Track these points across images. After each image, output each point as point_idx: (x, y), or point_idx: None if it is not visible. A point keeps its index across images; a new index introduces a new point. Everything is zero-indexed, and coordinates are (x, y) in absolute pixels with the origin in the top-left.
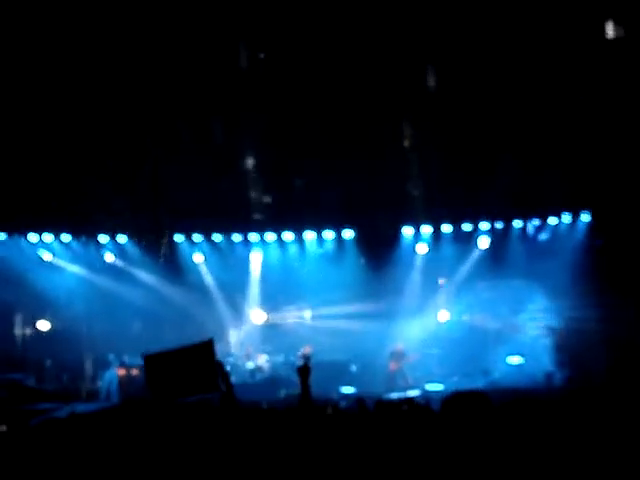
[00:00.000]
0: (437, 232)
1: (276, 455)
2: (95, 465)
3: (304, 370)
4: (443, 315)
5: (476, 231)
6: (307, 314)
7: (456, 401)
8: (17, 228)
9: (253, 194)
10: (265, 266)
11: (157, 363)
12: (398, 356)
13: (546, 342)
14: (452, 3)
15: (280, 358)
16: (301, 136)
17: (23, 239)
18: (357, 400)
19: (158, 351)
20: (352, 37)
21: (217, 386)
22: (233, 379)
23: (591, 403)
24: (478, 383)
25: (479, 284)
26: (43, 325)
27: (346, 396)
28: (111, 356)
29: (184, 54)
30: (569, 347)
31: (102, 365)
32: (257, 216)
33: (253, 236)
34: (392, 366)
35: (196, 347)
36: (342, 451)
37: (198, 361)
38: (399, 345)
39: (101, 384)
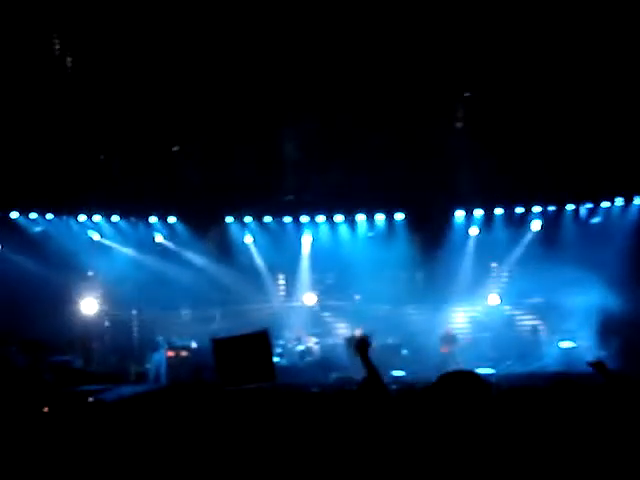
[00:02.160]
0: (489, 215)
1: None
2: (142, 448)
3: (362, 344)
4: (494, 299)
5: (529, 214)
6: (357, 296)
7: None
8: (66, 208)
9: (302, 177)
10: (315, 248)
11: (224, 348)
12: (449, 340)
13: (596, 327)
14: None
15: (330, 341)
16: (352, 117)
17: (72, 219)
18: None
19: (225, 337)
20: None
21: (272, 375)
22: (283, 361)
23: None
24: (530, 367)
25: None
26: (91, 306)
27: (397, 379)
28: (160, 338)
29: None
30: (619, 334)
31: (151, 347)
32: (308, 198)
33: (304, 218)
34: (443, 350)
35: (252, 336)
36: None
37: (255, 350)
38: (449, 328)
39: (150, 366)
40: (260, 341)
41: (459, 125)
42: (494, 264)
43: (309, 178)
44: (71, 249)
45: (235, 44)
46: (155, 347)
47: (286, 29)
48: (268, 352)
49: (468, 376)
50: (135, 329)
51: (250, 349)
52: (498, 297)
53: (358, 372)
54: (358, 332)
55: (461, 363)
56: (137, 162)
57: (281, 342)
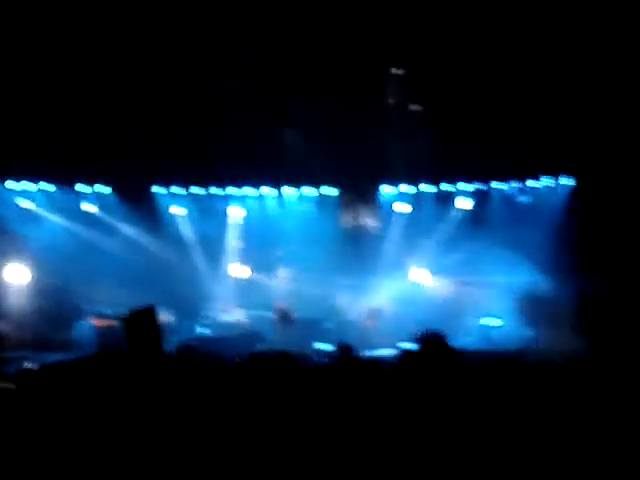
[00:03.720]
0: (418, 192)
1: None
2: (72, 415)
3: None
4: (418, 274)
5: (457, 192)
6: (285, 270)
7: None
8: None
9: (235, 146)
10: (245, 221)
11: (131, 323)
12: (373, 314)
13: (521, 307)
14: None
15: (256, 313)
16: (289, 87)
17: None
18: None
19: (133, 310)
20: None
21: (160, 351)
22: (210, 332)
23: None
24: (452, 343)
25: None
26: (16, 273)
27: (321, 352)
28: (86, 306)
29: None
30: (544, 315)
31: (77, 315)
32: (237, 170)
33: (232, 189)
34: (368, 323)
35: (140, 313)
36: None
37: (142, 326)
38: (374, 303)
39: (75, 334)
40: (146, 317)
41: (391, 101)
42: (421, 240)
43: (240, 150)
44: None
45: None
46: (81, 315)
47: None
48: (154, 328)
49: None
50: (60, 297)
51: (138, 325)
52: (422, 273)
53: (283, 344)
54: (282, 305)
55: (384, 337)
56: (69, 129)
57: (209, 313)
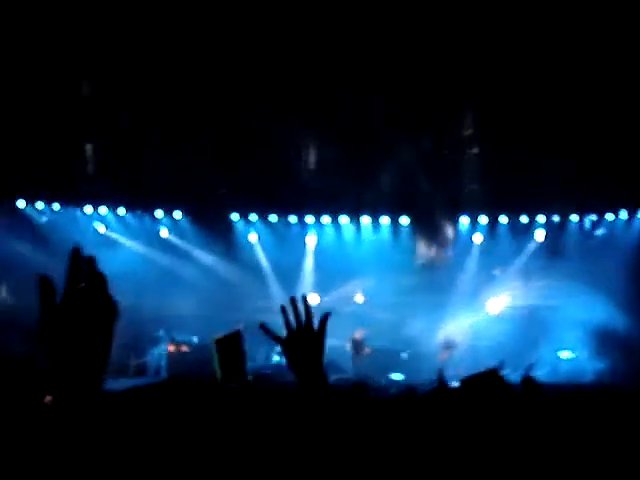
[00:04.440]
0: (494, 223)
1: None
2: (142, 441)
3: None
4: (494, 306)
5: (533, 224)
6: (360, 298)
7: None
8: (73, 199)
9: (310, 177)
10: (320, 249)
11: (222, 347)
12: (448, 346)
13: (595, 340)
14: None
15: (332, 342)
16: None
17: (78, 210)
18: (407, 387)
19: (221, 335)
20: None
21: (243, 377)
22: (283, 360)
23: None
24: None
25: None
26: None
27: (395, 382)
28: (161, 332)
29: None
30: (618, 348)
31: (152, 341)
32: (313, 199)
33: (309, 218)
34: (442, 356)
35: (227, 337)
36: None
37: (228, 351)
38: (449, 334)
39: (150, 359)
40: (233, 341)
41: (468, 133)
42: (497, 272)
43: (314, 179)
44: (76, 240)
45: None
46: (156, 341)
47: None
48: (238, 353)
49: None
50: (137, 322)
51: (227, 349)
52: (498, 304)
53: (358, 374)
54: (358, 334)
55: (459, 370)
56: (145, 156)
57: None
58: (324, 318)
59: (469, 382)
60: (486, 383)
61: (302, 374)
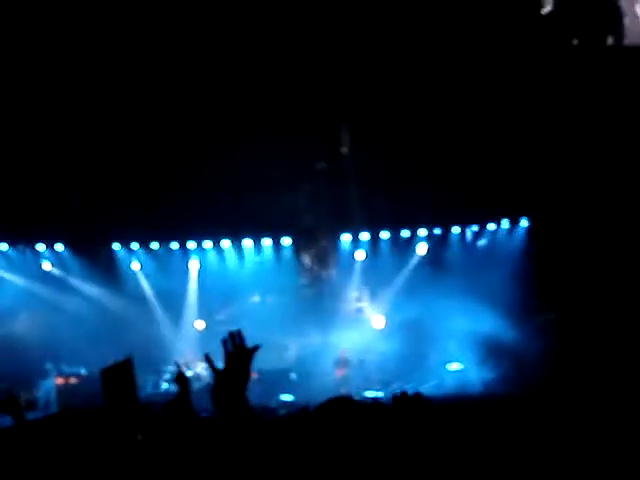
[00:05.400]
0: (375, 239)
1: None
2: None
3: (178, 378)
4: (379, 321)
5: (414, 237)
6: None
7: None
8: None
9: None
10: (203, 273)
11: (107, 377)
12: (343, 363)
13: (482, 351)
14: None
15: (219, 366)
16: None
17: None
18: (301, 408)
19: (112, 364)
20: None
21: (135, 406)
22: (172, 387)
23: (528, 412)
24: (418, 389)
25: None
26: None
27: (285, 404)
28: (49, 365)
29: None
30: (505, 358)
31: (40, 374)
32: (195, 224)
33: (191, 244)
34: (339, 373)
35: (116, 367)
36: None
37: (118, 381)
38: (344, 351)
39: (39, 393)
40: (123, 371)
41: (345, 149)
42: (381, 287)
43: (197, 204)
44: None
45: None
46: (44, 374)
47: None
48: (130, 382)
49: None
50: (23, 356)
51: (114, 380)
52: (383, 319)
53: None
54: None
55: (352, 387)
56: (23, 188)
57: (170, 368)
58: (252, 351)
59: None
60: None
61: (227, 405)
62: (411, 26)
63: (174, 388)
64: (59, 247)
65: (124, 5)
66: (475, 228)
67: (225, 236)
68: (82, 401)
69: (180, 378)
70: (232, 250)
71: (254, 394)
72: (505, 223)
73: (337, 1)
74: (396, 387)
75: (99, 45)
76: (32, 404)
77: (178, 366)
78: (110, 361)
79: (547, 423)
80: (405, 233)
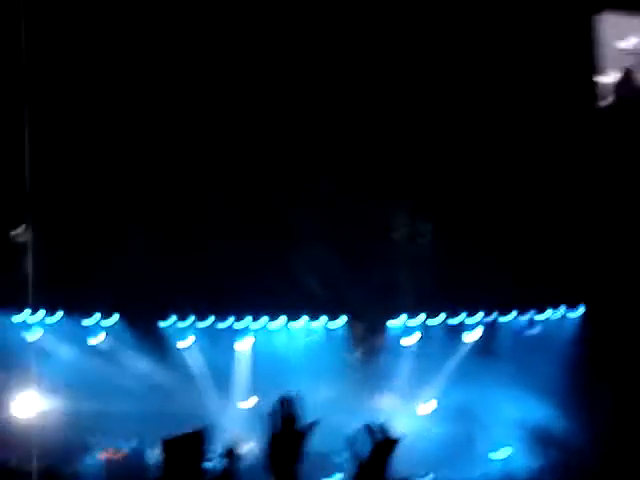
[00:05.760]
0: (426, 324)
1: None
2: None
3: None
4: (426, 408)
5: (465, 324)
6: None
7: None
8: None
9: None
10: (253, 353)
11: (171, 449)
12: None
13: (531, 439)
14: None
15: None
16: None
17: (6, 319)
18: None
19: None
20: None
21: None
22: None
23: None
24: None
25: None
26: (27, 406)
27: None
28: (94, 439)
29: None
30: (554, 446)
31: (85, 449)
32: (245, 302)
33: (241, 323)
34: None
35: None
36: None
37: (184, 453)
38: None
39: (84, 468)
40: (193, 443)
41: (397, 235)
42: (429, 374)
43: (247, 282)
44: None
45: None
46: (89, 449)
47: None
48: (198, 454)
49: None
50: (70, 429)
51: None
52: (430, 406)
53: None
54: None
55: (396, 472)
56: (74, 259)
57: (219, 446)
58: (310, 426)
59: None
60: None
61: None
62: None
63: (219, 466)
64: (110, 320)
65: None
66: (528, 315)
67: (276, 315)
68: (130, 475)
69: (231, 453)
70: (283, 330)
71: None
72: (558, 311)
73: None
74: (441, 475)
75: None
76: (76, 478)
77: (231, 442)
78: (156, 437)
79: None
80: (456, 319)
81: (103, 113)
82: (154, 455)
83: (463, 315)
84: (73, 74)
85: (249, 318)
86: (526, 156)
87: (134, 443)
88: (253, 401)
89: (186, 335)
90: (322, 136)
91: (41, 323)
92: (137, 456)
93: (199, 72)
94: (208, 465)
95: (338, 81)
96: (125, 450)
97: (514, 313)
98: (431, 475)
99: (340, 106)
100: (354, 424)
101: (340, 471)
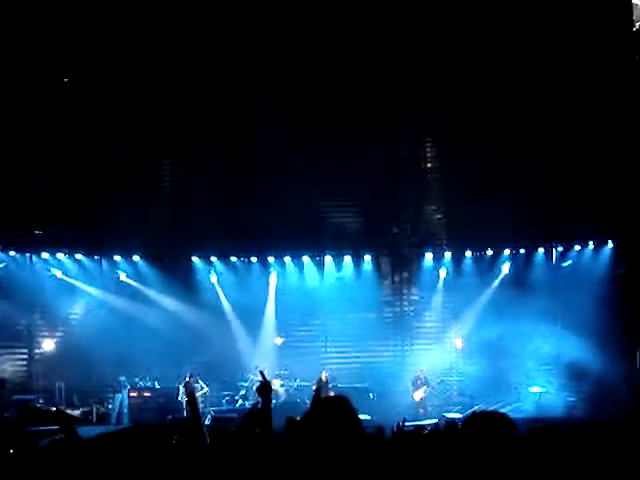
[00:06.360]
0: (460, 257)
1: None
2: None
3: (262, 388)
4: (460, 340)
5: (498, 257)
6: (323, 340)
7: (478, 422)
8: (29, 245)
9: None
10: (282, 288)
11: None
12: (421, 383)
13: (565, 373)
14: None
15: (295, 383)
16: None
17: (35, 256)
18: (377, 428)
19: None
20: None
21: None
22: (248, 403)
23: (612, 440)
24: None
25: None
26: (52, 345)
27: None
28: (122, 378)
29: None
30: (588, 380)
31: (113, 388)
32: (276, 238)
33: (270, 258)
34: (415, 394)
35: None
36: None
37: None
38: (421, 372)
39: (112, 407)
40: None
41: (430, 165)
42: (464, 307)
43: (277, 219)
44: (33, 286)
45: None
46: (118, 388)
47: None
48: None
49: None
50: (98, 369)
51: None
52: (465, 339)
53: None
54: (324, 376)
55: (429, 407)
56: (101, 200)
57: (245, 384)
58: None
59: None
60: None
61: None
62: None
63: (249, 404)
64: (136, 258)
65: None
66: (560, 249)
67: (305, 251)
68: (155, 415)
69: (264, 388)
70: (312, 265)
71: None
72: (590, 245)
73: None
74: (477, 410)
75: None
76: (104, 417)
77: (263, 375)
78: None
79: (631, 450)
80: (489, 252)
81: None
82: (180, 394)
83: (497, 248)
84: None
85: (280, 254)
86: (560, 86)
87: (160, 383)
88: (281, 339)
89: (216, 271)
90: None
91: (65, 262)
92: (162, 396)
93: None
94: (243, 403)
95: None
96: (152, 390)
97: (548, 246)
98: (460, 414)
99: None
100: (387, 361)
101: (368, 409)
